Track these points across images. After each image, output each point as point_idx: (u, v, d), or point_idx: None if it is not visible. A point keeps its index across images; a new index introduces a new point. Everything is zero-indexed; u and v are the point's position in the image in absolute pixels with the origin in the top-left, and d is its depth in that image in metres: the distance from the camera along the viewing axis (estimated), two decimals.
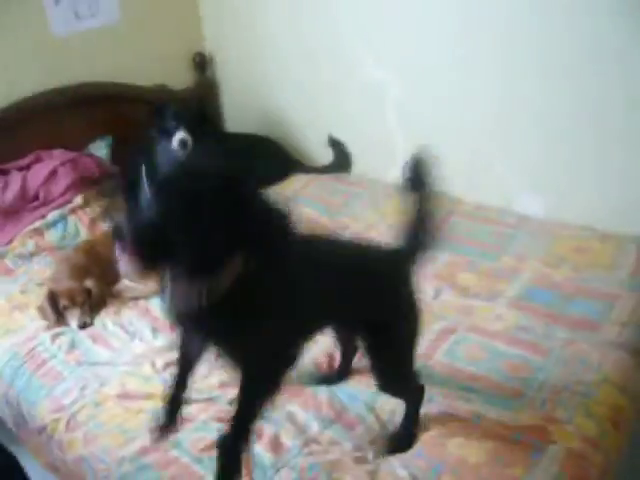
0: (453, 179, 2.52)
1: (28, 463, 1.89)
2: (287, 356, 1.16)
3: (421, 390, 1.40)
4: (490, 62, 2.31)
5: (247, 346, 1.06)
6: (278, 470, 1.36)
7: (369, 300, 1.23)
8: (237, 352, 1.09)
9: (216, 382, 1.64)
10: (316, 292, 1.08)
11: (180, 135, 2.50)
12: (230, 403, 1.47)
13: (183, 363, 1.26)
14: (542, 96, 2.22)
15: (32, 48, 2.59)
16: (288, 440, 1.45)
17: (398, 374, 1.34)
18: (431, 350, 1.70)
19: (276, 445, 1.43)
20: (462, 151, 2.51)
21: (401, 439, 1.40)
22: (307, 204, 2.62)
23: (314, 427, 1.48)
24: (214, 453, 1.18)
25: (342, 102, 2.81)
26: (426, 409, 1.47)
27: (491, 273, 2.06)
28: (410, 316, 1.30)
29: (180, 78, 3.11)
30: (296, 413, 1.52)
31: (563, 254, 2.09)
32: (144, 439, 1.48)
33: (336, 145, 2.87)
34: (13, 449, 1.88)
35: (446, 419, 1.45)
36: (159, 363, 1.78)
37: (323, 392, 1.58)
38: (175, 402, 1.29)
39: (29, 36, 2.57)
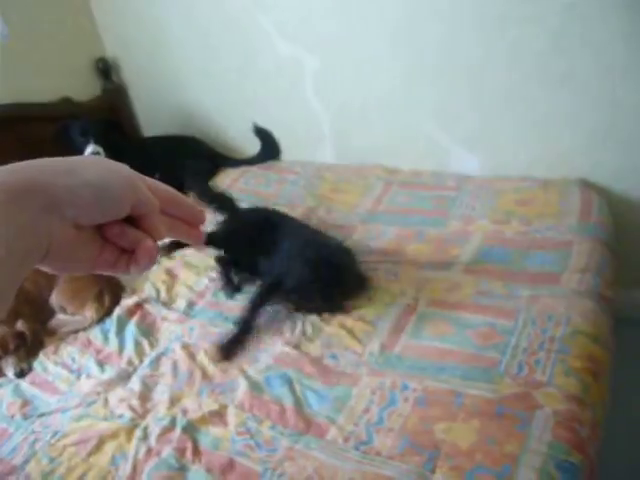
0: (384, 149, 2.50)
1: None
2: None
3: None
4: (403, 19, 2.21)
5: None
6: None
7: None
8: None
9: None
10: None
11: (90, 149, 2.36)
12: None
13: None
14: (470, 48, 2.14)
15: None
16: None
17: None
18: (396, 334, 1.62)
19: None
20: (389, 119, 2.44)
21: None
22: (241, 198, 2.49)
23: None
24: None
25: (259, 87, 2.68)
26: (403, 397, 1.40)
27: (441, 240, 2.00)
28: None
29: (87, 88, 2.90)
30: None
31: (509, 209, 2.05)
32: None
33: (262, 133, 2.72)
34: None
35: (426, 404, 1.38)
36: (112, 399, 1.64)
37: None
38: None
39: None
